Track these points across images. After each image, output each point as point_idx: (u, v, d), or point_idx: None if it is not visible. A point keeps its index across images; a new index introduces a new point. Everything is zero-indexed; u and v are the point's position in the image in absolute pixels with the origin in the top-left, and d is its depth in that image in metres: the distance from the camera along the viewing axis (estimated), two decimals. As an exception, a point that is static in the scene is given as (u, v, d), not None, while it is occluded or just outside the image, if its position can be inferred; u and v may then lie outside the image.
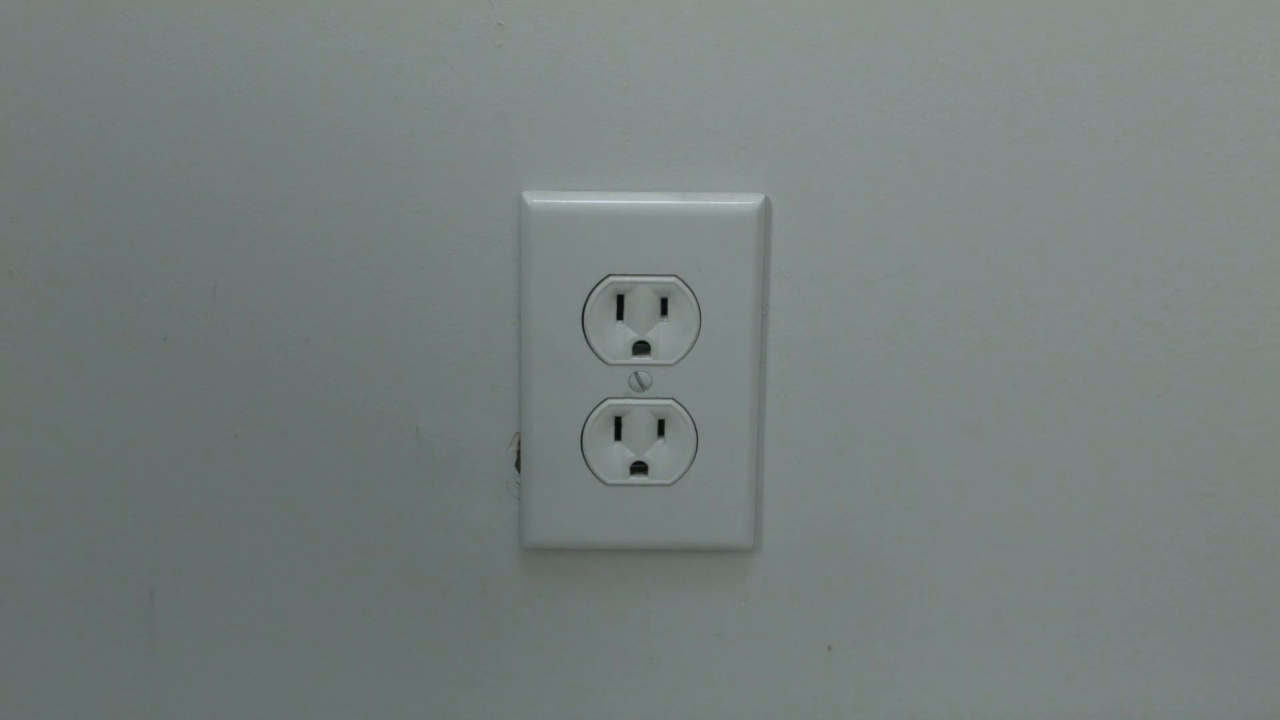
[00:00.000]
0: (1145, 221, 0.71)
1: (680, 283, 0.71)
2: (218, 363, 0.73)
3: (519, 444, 0.74)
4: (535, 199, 0.70)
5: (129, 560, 0.75)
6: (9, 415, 0.73)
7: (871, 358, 0.73)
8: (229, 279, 0.72)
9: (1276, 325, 0.72)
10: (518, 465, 0.74)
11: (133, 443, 0.74)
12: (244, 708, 0.77)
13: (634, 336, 0.72)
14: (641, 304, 0.71)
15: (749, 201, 0.71)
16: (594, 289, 0.71)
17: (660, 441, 0.73)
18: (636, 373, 0.72)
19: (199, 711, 0.77)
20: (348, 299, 0.72)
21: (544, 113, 0.70)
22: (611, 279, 0.71)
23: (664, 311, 0.72)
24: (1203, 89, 0.69)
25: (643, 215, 0.70)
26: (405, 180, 0.71)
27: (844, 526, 0.75)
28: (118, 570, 0.75)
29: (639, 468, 0.74)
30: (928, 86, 0.69)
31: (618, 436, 0.73)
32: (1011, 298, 0.72)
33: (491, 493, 0.75)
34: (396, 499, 0.75)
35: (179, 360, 0.73)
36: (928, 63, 0.69)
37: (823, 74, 0.69)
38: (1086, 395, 0.73)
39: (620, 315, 0.72)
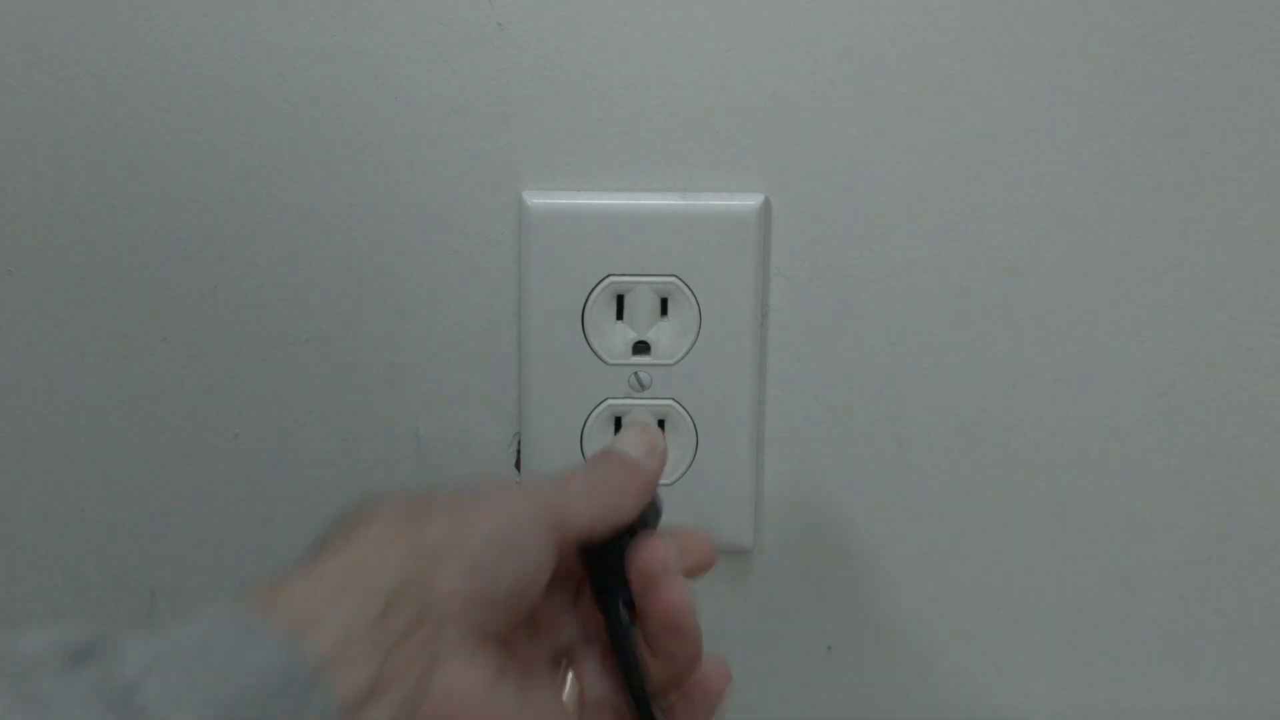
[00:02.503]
0: (1145, 221, 0.71)
1: (680, 283, 0.71)
2: (218, 363, 0.73)
3: (519, 444, 0.74)
4: (535, 199, 0.70)
5: (129, 560, 0.75)
6: (9, 415, 0.73)
7: (871, 358, 0.73)
8: (229, 279, 0.72)
9: (1277, 325, 0.72)
10: (518, 465, 0.74)
11: (133, 443, 0.74)
12: (244, 708, 0.77)
13: (634, 336, 0.72)
14: (641, 304, 0.71)
15: (749, 201, 0.71)
16: (594, 289, 0.71)
17: (660, 441, 0.73)
18: (636, 373, 0.72)
19: (199, 711, 0.77)
20: (348, 299, 0.72)
21: (544, 113, 0.70)
22: (611, 279, 0.71)
23: (664, 311, 0.72)
24: (1203, 89, 0.69)
25: (643, 215, 0.70)
26: (405, 180, 0.71)
27: (844, 526, 0.75)
28: (118, 570, 0.75)
29: (639, 468, 0.74)
30: (928, 87, 0.70)
31: (618, 436, 0.73)
32: (1011, 298, 0.72)
33: (491, 493, 0.75)
34: (396, 499, 0.75)
35: (179, 360, 0.73)
36: (928, 63, 0.69)
37: (823, 74, 0.69)
38: (1086, 395, 0.73)
39: (620, 315, 0.72)
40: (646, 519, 0.61)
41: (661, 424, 0.73)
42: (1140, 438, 0.74)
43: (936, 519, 0.75)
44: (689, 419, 0.72)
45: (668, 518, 0.60)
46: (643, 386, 0.72)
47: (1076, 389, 0.73)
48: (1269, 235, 0.71)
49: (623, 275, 0.71)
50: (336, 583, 0.55)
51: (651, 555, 0.59)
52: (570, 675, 0.62)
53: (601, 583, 0.60)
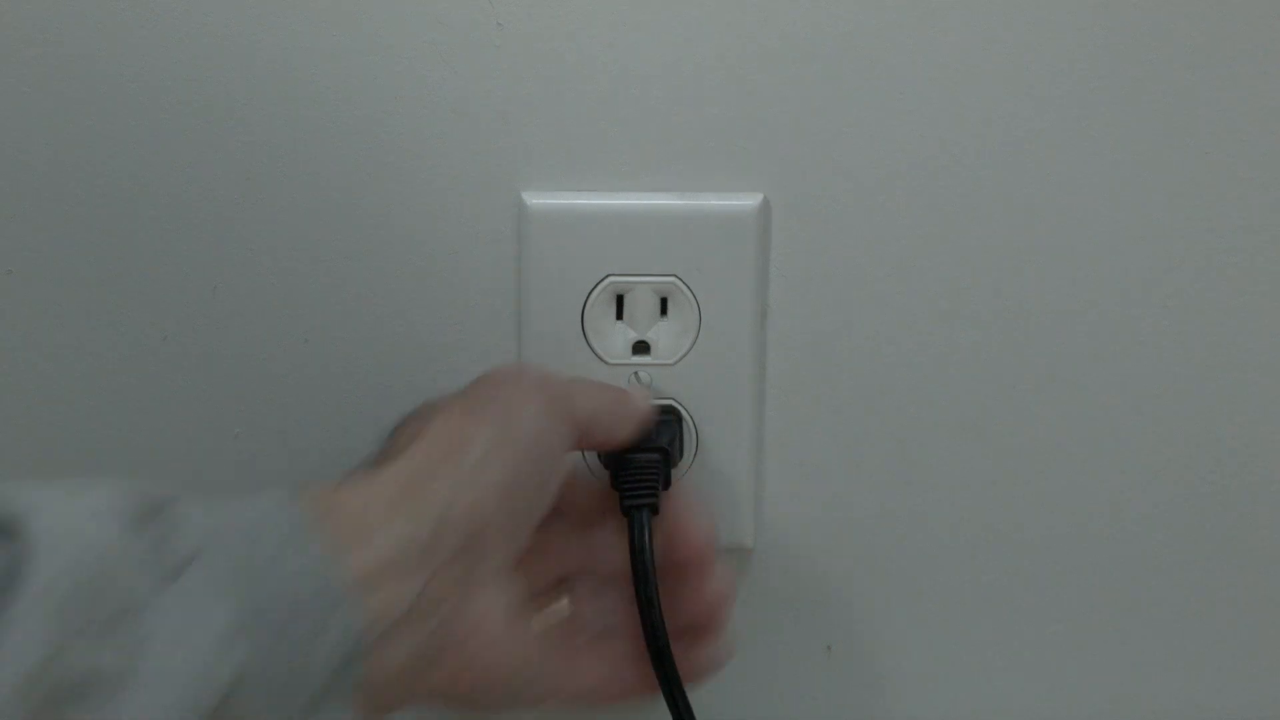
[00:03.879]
0: (1145, 221, 0.71)
1: (680, 283, 0.71)
2: (218, 363, 0.73)
3: (519, 444, 0.74)
4: (535, 199, 0.70)
5: (129, 560, 0.75)
6: (9, 415, 0.73)
7: (871, 358, 0.73)
8: (229, 279, 0.72)
9: (1276, 325, 0.72)
10: (518, 465, 0.74)
11: (133, 443, 0.74)
12: (244, 708, 0.77)
13: (634, 336, 0.72)
14: (641, 304, 0.71)
15: (749, 201, 0.71)
16: (594, 289, 0.71)
17: (660, 441, 0.73)
18: (636, 373, 0.72)
19: (199, 711, 0.77)
20: (348, 299, 0.72)
21: (544, 113, 0.70)
22: (611, 279, 0.71)
23: (664, 311, 0.72)
24: (1203, 89, 0.69)
25: (643, 215, 0.70)
26: (405, 180, 0.71)
27: (844, 526, 0.75)
28: (118, 570, 0.75)
29: (639, 468, 0.74)
30: (928, 86, 0.69)
31: (618, 436, 0.73)
32: (1011, 298, 0.72)
33: (491, 493, 0.74)
34: (396, 499, 0.74)
35: (179, 360, 0.73)
36: (928, 63, 0.69)
37: (822, 74, 0.69)
38: (1086, 395, 0.73)
39: (620, 315, 0.72)
40: (672, 450, 0.67)
41: (661, 424, 0.73)
42: (1140, 437, 0.74)
43: (936, 519, 0.75)
44: (689, 419, 0.72)
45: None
46: (643, 386, 0.72)
47: (1076, 389, 0.73)
48: (1269, 235, 0.71)
49: (623, 275, 0.71)
50: (390, 499, 0.55)
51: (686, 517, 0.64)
52: (565, 600, 0.64)
53: (628, 491, 0.65)
